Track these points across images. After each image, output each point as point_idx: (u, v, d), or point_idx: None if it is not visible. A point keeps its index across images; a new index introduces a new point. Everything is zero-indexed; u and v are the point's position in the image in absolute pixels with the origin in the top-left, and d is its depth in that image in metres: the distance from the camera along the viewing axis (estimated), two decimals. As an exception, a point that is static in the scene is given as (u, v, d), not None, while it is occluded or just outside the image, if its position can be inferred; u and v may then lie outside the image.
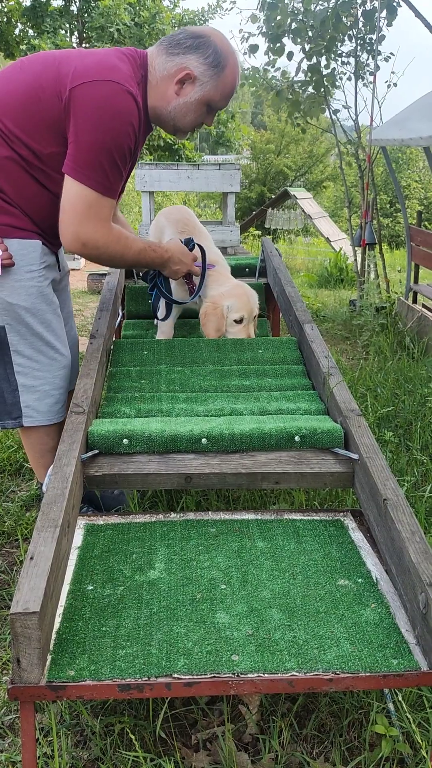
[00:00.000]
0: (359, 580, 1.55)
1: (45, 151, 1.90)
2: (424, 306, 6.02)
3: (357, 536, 1.75)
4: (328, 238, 12.82)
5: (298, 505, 2.52)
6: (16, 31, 12.10)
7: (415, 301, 6.31)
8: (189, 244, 2.41)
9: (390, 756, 1.61)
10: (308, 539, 1.72)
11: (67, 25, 11.71)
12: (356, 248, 6.65)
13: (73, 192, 1.87)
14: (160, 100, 2.03)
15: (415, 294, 6.32)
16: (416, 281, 6.40)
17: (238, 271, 3.38)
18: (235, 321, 2.57)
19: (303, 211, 13.79)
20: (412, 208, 17.17)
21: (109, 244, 1.97)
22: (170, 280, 2.51)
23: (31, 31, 12.00)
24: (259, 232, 15.96)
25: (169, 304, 2.55)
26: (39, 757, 1.61)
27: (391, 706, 1.70)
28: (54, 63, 1.92)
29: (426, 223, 17.53)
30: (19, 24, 11.98)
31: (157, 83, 2.01)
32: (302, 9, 5.13)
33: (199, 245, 2.49)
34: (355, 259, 6.68)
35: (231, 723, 1.75)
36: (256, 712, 1.75)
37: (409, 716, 1.63)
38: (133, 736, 1.44)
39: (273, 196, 16.88)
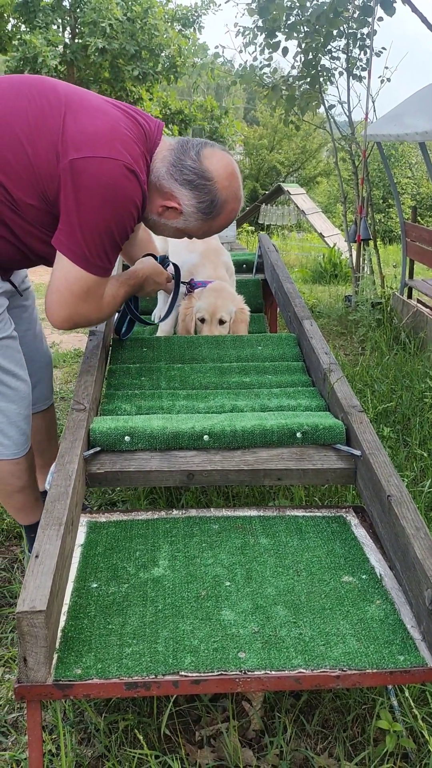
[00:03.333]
0: (363, 577, 1.55)
1: (25, 200, 1.74)
2: (419, 301, 6.03)
3: (360, 533, 1.75)
4: (321, 233, 12.82)
5: (298, 501, 2.52)
6: (9, 27, 12.03)
7: (410, 296, 6.32)
8: (164, 262, 2.33)
9: (394, 751, 1.62)
10: (311, 536, 1.72)
11: (60, 21, 11.64)
12: (351, 244, 6.65)
13: (71, 275, 1.76)
14: (147, 202, 1.91)
15: (410, 289, 6.34)
16: (411, 276, 6.41)
17: (235, 267, 3.38)
18: (199, 320, 2.62)
19: (296, 206, 13.78)
20: (406, 204, 17.18)
21: (101, 316, 1.92)
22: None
23: (23, 26, 11.94)
24: (253, 228, 15.94)
25: (132, 321, 2.46)
26: (44, 754, 1.61)
27: (394, 701, 1.71)
28: (60, 109, 1.74)
29: (419, 218, 17.55)
30: (11, 19, 11.91)
31: (151, 183, 1.89)
32: (297, 4, 5.10)
33: (174, 264, 2.45)
34: (350, 255, 6.68)
35: (235, 719, 1.75)
36: (260, 709, 1.75)
37: (416, 712, 1.63)
38: (139, 734, 1.44)
39: (266, 192, 16.86)
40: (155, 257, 2.29)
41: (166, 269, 2.29)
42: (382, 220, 17.67)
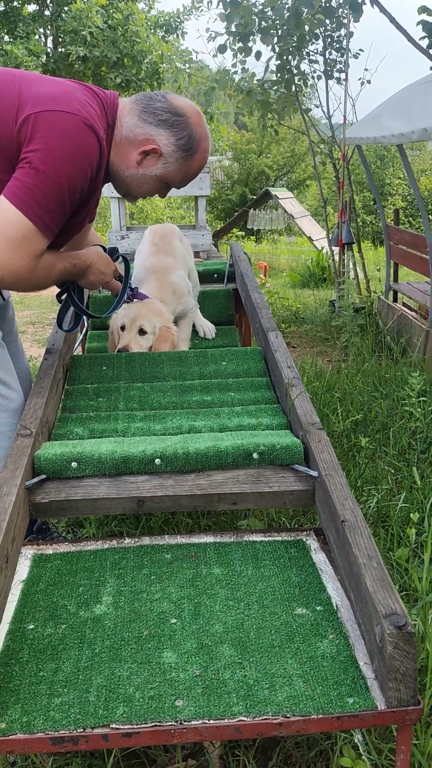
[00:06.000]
0: (318, 608, 1.47)
1: None
2: (404, 305, 5.97)
3: (319, 558, 1.67)
4: (310, 237, 12.78)
5: (269, 521, 2.44)
6: (-10, 37, 11.96)
7: (395, 300, 6.25)
8: (114, 254, 2.21)
9: (358, 790, 1.53)
10: (267, 563, 1.63)
11: (41, 30, 11.59)
12: (333, 248, 6.59)
13: (9, 216, 1.67)
14: (119, 160, 1.90)
15: (395, 293, 6.27)
16: (396, 279, 6.34)
17: (206, 277, 3.31)
18: (120, 328, 2.51)
19: (285, 210, 13.74)
20: (397, 205, 17.12)
21: (31, 278, 1.78)
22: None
23: (6, 37, 11.88)
24: (243, 233, 15.86)
25: (78, 315, 2.30)
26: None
27: (359, 736, 1.62)
28: (15, 82, 1.76)
29: (411, 218, 17.49)
30: (-8, 30, 11.84)
31: (121, 141, 1.88)
32: (262, 8, 5.02)
33: (123, 256, 2.32)
34: (332, 260, 6.61)
35: (193, 758, 1.67)
36: (220, 746, 1.67)
37: (380, 747, 1.55)
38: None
39: (255, 197, 16.80)
40: (104, 248, 2.16)
41: (115, 262, 2.18)
42: (374, 222, 17.61)
